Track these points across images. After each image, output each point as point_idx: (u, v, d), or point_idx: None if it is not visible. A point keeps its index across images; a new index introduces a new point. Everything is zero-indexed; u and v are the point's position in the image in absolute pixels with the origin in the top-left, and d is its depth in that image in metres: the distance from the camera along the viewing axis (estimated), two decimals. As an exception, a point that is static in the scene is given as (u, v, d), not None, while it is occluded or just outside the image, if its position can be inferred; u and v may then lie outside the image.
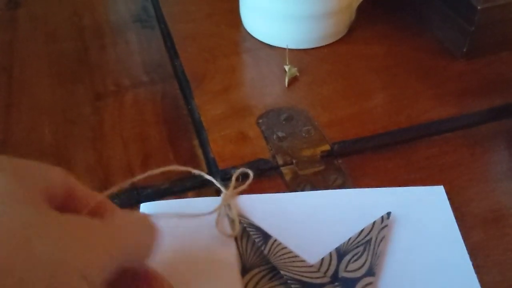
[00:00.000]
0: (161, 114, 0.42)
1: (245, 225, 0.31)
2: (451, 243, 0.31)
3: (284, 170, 0.37)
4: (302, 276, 0.28)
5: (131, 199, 0.35)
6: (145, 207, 0.33)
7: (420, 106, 0.42)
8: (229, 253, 0.29)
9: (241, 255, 0.29)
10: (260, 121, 0.41)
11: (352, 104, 0.42)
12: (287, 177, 0.36)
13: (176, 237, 0.29)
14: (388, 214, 0.31)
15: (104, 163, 0.38)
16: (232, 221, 0.31)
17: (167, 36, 0.51)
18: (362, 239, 0.30)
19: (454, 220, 0.32)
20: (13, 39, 0.51)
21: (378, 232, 0.30)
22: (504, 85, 0.44)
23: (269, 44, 0.49)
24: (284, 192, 0.35)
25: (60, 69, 0.47)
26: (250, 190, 0.34)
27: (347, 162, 0.37)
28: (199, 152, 0.39)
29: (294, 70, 0.44)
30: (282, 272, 0.27)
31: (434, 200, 0.33)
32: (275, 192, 0.35)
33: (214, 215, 0.31)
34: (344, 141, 0.39)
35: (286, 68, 0.44)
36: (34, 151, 0.39)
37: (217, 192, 0.35)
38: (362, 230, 0.30)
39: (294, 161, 0.37)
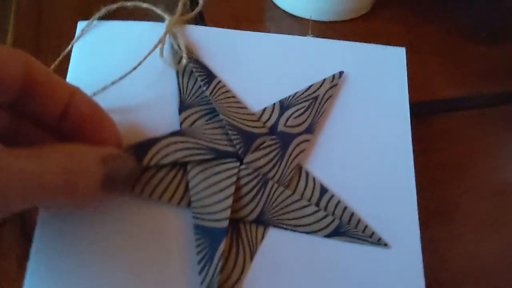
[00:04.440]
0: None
1: (189, 60, 0.28)
2: (397, 109, 0.29)
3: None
4: (241, 123, 0.26)
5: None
6: (81, 25, 0.29)
7: (438, 84, 0.43)
8: (169, 88, 0.27)
9: (180, 91, 0.27)
10: (281, 84, 0.41)
11: (371, 76, 0.43)
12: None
13: (116, 62, 0.27)
14: (341, 73, 0.29)
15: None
16: (176, 53, 0.28)
17: None
18: (309, 94, 0.28)
19: (406, 85, 0.30)
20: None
21: (326, 91, 0.29)
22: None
23: (292, 15, 0.49)
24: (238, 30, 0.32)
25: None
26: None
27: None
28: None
29: (317, 39, 0.45)
30: (221, 116, 0.26)
31: (392, 61, 0.31)
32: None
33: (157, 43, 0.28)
34: (362, 109, 0.39)
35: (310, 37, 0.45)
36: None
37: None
38: (310, 86, 0.29)
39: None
